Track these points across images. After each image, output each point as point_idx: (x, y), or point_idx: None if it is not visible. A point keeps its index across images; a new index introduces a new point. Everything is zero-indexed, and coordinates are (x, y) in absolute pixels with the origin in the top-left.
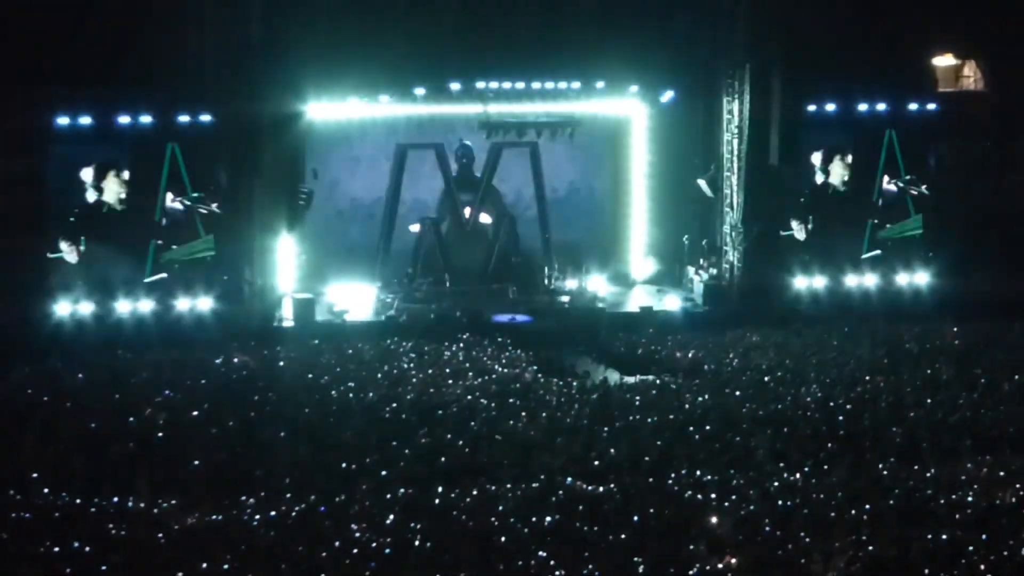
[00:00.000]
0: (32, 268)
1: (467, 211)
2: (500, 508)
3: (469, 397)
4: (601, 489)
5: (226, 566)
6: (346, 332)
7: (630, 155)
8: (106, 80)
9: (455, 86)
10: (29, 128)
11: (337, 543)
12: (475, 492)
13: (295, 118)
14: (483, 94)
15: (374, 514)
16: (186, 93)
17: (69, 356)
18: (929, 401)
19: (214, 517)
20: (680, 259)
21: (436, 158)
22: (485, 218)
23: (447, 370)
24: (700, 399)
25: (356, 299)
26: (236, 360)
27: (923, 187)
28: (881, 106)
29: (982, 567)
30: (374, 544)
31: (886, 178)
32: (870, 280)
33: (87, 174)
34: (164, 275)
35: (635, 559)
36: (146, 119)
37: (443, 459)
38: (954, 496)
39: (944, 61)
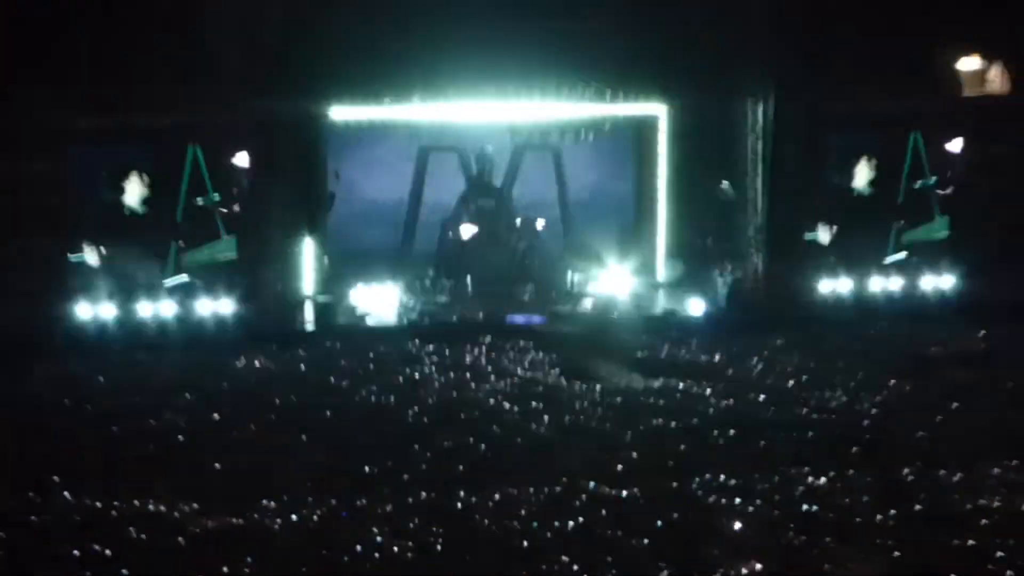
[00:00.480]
0: (53, 270)
1: (463, 228)
2: (522, 512)
3: (491, 400)
4: (624, 493)
5: (246, 570)
6: (367, 335)
7: (654, 157)
8: (127, 80)
9: (477, 90)
10: (50, 129)
11: (358, 547)
12: (497, 496)
13: (317, 119)
14: (506, 98)
15: (395, 518)
16: (207, 94)
17: (89, 359)
18: (954, 406)
19: (234, 521)
20: (704, 262)
21: (458, 160)
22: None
23: (468, 373)
24: (723, 403)
25: (377, 302)
26: (256, 363)
27: (949, 189)
28: (906, 108)
29: (1009, 573)
30: (395, 548)
31: (911, 180)
32: (895, 283)
33: (108, 176)
34: (185, 277)
35: (658, 563)
36: (167, 120)
37: (464, 463)
38: (980, 501)
39: (969, 64)
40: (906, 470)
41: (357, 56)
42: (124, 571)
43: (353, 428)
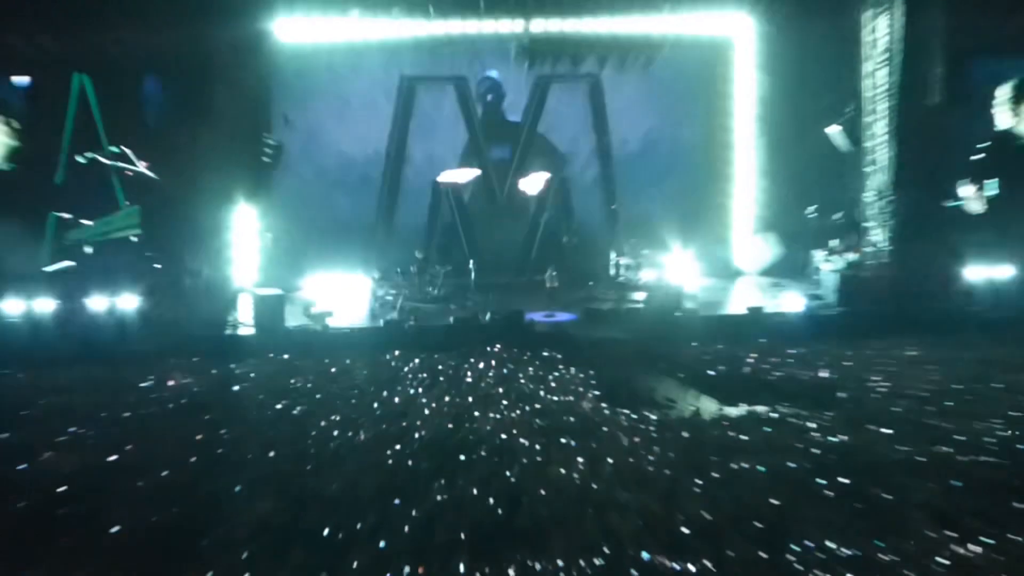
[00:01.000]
0: None
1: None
2: None
3: (502, 435)
4: (692, 568)
5: None
6: (329, 343)
7: (732, 93)
8: None
9: None
10: None
11: None
12: (511, 572)
13: (258, 40)
14: (522, 4)
15: None
16: (101, 6)
17: None
18: None
19: None
20: (803, 240)
21: (457, 97)
22: (530, 185)
23: (470, 398)
24: (833, 439)
25: (344, 297)
26: (173, 383)
27: None
28: None
29: None
30: None
31: None
32: None
33: None
34: (71, 263)
35: None
36: (45, 39)
37: (466, 525)
38: None
39: None
40: None
41: None
42: None
43: (309, 474)
